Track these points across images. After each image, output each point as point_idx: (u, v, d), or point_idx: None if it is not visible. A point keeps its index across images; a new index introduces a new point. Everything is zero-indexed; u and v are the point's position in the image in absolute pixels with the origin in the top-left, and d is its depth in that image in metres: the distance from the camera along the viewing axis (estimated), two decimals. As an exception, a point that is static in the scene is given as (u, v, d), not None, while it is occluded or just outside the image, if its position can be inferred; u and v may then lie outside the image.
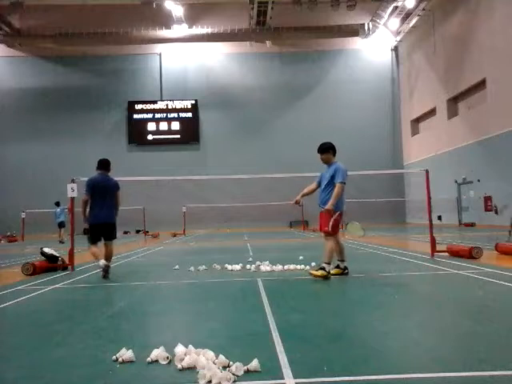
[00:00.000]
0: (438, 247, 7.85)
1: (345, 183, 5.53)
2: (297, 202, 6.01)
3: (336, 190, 5.45)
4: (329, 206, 5.44)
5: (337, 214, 5.54)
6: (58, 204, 17.40)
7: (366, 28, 29.70)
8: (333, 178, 5.54)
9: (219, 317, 3.63)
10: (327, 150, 5.72)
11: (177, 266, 7.12)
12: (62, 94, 30.69)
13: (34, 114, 30.36)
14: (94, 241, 6.35)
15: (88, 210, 6.36)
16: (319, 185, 5.85)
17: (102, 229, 6.34)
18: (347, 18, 29.06)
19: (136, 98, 31.09)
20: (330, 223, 5.48)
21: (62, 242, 16.35)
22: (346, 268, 5.75)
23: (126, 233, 27.12)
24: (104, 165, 6.52)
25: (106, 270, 6.06)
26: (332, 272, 5.68)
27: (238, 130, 30.82)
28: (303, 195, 5.96)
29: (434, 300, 4.27)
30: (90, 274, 6.81)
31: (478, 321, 3.25)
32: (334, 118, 30.44)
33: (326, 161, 5.76)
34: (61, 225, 17.38)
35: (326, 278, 5.38)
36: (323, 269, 5.42)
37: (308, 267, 6.39)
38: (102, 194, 6.32)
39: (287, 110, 31.06)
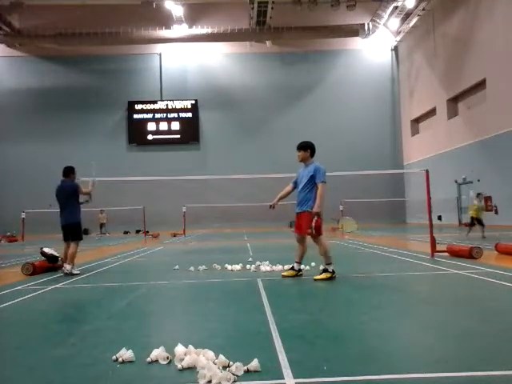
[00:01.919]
0: (438, 247, 7.85)
1: (325, 183, 5.48)
2: (272, 206, 5.90)
3: (319, 190, 5.39)
4: (316, 208, 5.35)
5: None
6: None
7: (366, 28, 29.66)
8: (312, 177, 5.46)
9: (219, 317, 3.63)
10: (305, 147, 5.63)
11: (177, 266, 7.12)
12: (62, 94, 30.64)
13: (34, 114, 30.32)
14: (64, 239, 6.99)
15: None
16: (295, 186, 5.76)
17: (65, 230, 6.95)
18: (347, 18, 29.03)
19: (136, 98, 31.06)
20: (313, 225, 5.33)
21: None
22: (300, 270, 5.76)
23: (126, 233, 27.13)
24: (64, 172, 7.08)
25: (66, 274, 6.56)
26: (285, 274, 5.73)
27: (238, 130, 30.80)
28: (280, 198, 5.86)
29: (433, 300, 4.27)
30: (89, 274, 6.82)
31: (477, 321, 3.25)
32: (334, 118, 30.42)
33: (302, 158, 5.67)
34: None
35: (331, 278, 5.37)
36: (326, 271, 5.43)
37: (308, 267, 6.39)
38: (59, 199, 6.99)
39: (287, 110, 31.04)
